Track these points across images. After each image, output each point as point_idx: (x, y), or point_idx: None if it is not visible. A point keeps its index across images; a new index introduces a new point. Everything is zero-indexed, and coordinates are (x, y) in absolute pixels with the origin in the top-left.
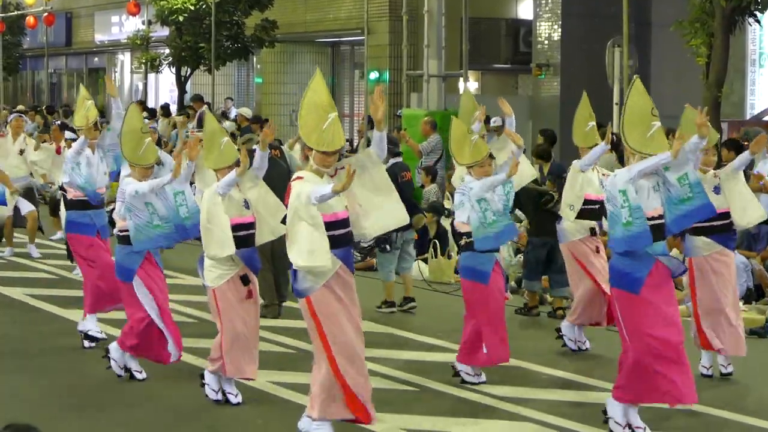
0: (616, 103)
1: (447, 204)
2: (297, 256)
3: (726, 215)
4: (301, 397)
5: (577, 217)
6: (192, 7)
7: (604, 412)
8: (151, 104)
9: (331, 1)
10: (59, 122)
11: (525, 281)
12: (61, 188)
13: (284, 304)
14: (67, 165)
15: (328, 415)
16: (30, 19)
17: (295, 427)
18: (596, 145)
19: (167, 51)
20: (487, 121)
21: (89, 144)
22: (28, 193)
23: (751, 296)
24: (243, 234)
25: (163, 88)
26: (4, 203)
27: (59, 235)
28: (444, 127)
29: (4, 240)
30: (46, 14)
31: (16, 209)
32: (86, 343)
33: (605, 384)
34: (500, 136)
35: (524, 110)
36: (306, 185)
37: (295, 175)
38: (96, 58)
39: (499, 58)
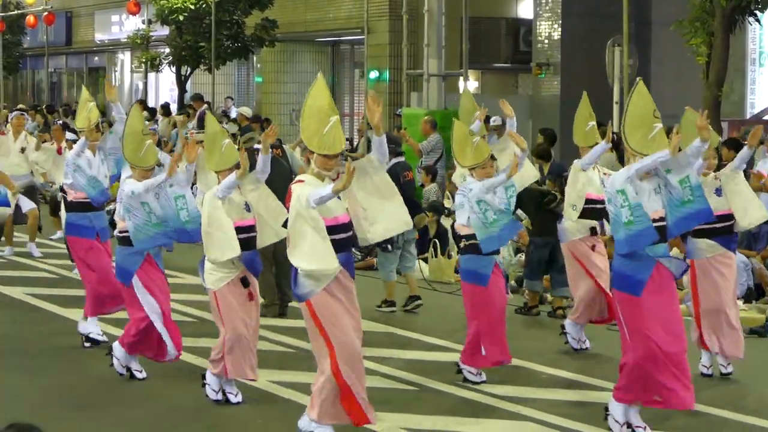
0: (616, 103)
1: (447, 203)
2: (301, 259)
3: (728, 217)
4: (302, 396)
5: (579, 217)
6: (192, 7)
7: (606, 409)
8: (151, 103)
9: (331, 1)
10: (61, 122)
11: (526, 281)
12: (62, 190)
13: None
14: (68, 167)
15: (327, 418)
16: (30, 19)
17: (296, 426)
18: (596, 144)
19: (167, 50)
20: (486, 120)
21: (90, 146)
22: (30, 191)
23: (751, 295)
24: (244, 237)
25: (164, 87)
26: (6, 204)
27: (59, 234)
28: (444, 126)
29: (4, 239)
30: (46, 13)
31: (17, 206)
32: (87, 344)
33: (606, 383)
34: (501, 137)
35: (524, 110)
36: (306, 188)
37: (296, 179)
38: (96, 58)
39: (499, 58)
